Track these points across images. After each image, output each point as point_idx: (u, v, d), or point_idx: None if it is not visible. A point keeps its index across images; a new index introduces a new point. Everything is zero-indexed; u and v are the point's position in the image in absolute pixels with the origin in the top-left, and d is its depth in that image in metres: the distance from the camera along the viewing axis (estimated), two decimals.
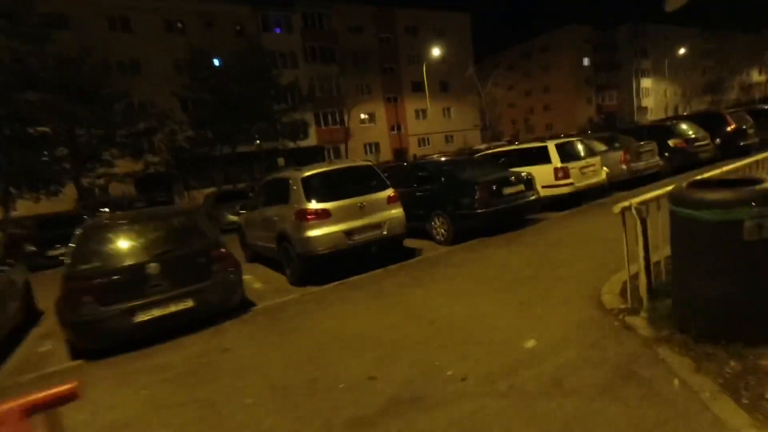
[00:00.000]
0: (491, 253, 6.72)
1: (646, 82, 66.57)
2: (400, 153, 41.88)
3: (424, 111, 44.02)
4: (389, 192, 7.19)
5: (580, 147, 10.04)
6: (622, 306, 3.87)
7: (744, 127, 13.47)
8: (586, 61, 61.93)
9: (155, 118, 21.23)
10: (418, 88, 43.13)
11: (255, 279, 7.47)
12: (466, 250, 7.20)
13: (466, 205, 7.72)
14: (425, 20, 44.92)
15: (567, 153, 9.61)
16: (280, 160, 29.24)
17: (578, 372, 3.02)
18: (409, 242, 8.31)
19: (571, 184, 9.32)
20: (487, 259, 6.46)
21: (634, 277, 3.92)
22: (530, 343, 3.57)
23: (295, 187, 6.72)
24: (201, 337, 4.89)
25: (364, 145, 41.34)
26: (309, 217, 6.46)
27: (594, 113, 61.85)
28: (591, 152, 10.15)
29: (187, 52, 23.98)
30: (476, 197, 7.60)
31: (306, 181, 6.66)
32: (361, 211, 6.75)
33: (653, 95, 67.36)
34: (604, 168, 10.22)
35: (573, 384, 2.90)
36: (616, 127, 22.73)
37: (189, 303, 4.96)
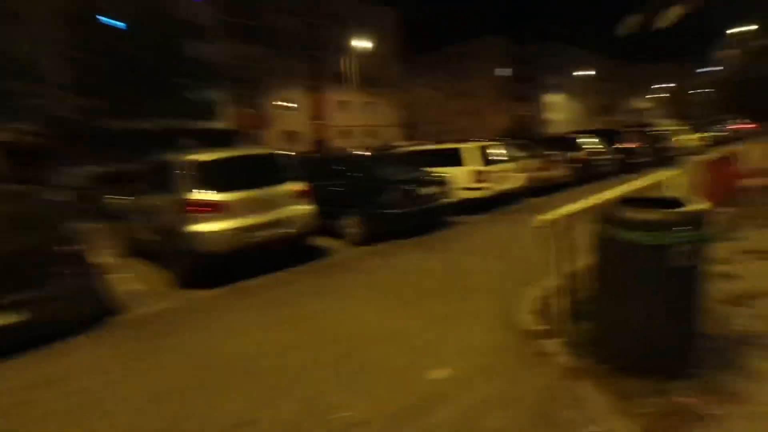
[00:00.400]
0: (403, 259, 6.27)
1: (554, 97, 72.34)
2: (321, 144, 40.70)
3: (347, 103, 43.25)
4: (299, 185, 6.43)
5: (498, 152, 10.06)
6: (539, 327, 3.56)
7: (638, 145, 14.71)
8: (503, 72, 65.44)
9: (24, 77, 17.88)
10: (342, 79, 42.22)
11: (131, 279, 6.27)
12: (377, 254, 6.69)
13: (379, 204, 7.21)
14: (353, 11, 44.05)
15: (486, 156, 9.56)
16: (188, 142, 26.66)
17: (493, 415, 2.59)
18: (318, 241, 7.63)
19: (489, 188, 9.28)
20: (399, 265, 5.99)
21: (552, 293, 3.65)
22: (440, 374, 3.10)
23: (183, 173, 5.68)
24: (31, 363, 3.77)
25: (284, 133, 39.51)
26: (199, 209, 5.50)
27: (510, 122, 65.67)
28: (509, 158, 10.24)
29: (79, 8, 20.64)
30: (390, 197, 7.12)
31: (197, 166, 5.66)
32: (264, 204, 5.92)
33: (560, 110, 73.41)
34: (520, 174, 10.37)
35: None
36: (529, 136, 23.99)
37: (19, 316, 3.80)
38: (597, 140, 13.63)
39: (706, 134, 22.47)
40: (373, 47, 42.51)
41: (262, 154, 6.51)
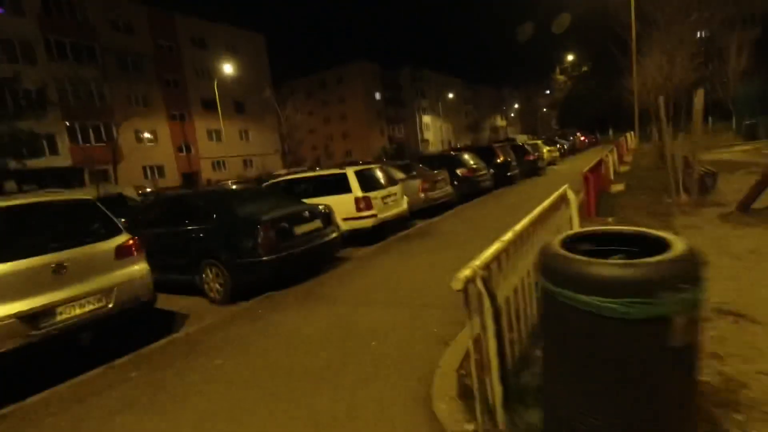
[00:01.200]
0: (279, 321, 4.86)
1: (426, 119, 77.04)
2: (190, 177, 36.83)
3: (218, 132, 40.08)
4: (120, 239, 4.65)
5: (380, 175, 9.24)
6: (468, 424, 2.49)
7: (509, 159, 15.35)
8: (377, 96, 67.68)
9: None
10: (210, 106, 39.05)
11: None
12: (246, 317, 5.16)
13: (247, 250, 5.72)
14: (214, 34, 41.39)
15: (368, 181, 8.64)
16: (10, 184, 21.64)
17: None
18: (173, 302, 5.92)
19: (375, 215, 8.33)
20: (273, 330, 4.57)
21: (477, 363, 2.62)
22: None
23: None
24: None
25: (144, 168, 34.82)
26: None
27: (386, 143, 67.79)
28: (391, 180, 9.47)
29: None
30: (260, 240, 5.68)
31: None
32: (62, 275, 4.05)
33: (432, 130, 78.32)
34: (405, 197, 9.67)
35: None
36: (407, 155, 24.27)
37: None
38: (475, 157, 13.79)
39: (556, 146, 25.09)
40: (244, 72, 40.49)
41: (58, 202, 4.55)
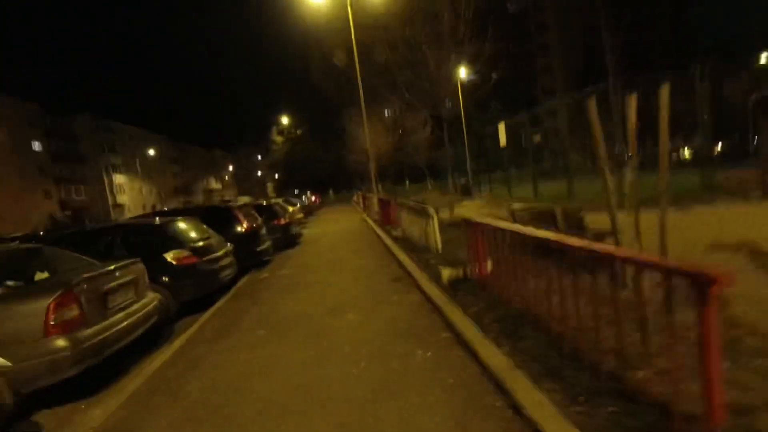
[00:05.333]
0: None
1: (120, 179, 61.92)
2: None
3: None
4: None
5: None
6: None
7: (257, 227, 9.62)
8: (37, 146, 49.43)
9: None
10: None
11: None
12: None
13: None
14: None
15: None
16: None
17: None
18: None
19: None
20: None
21: None
22: None
23: None
24: None
25: None
26: None
27: (57, 209, 49.75)
28: None
29: None
30: None
31: None
32: None
33: (129, 192, 63.48)
34: None
35: None
36: (81, 224, 14.81)
37: None
38: (202, 226, 7.45)
39: (297, 206, 21.37)
40: None
41: None
